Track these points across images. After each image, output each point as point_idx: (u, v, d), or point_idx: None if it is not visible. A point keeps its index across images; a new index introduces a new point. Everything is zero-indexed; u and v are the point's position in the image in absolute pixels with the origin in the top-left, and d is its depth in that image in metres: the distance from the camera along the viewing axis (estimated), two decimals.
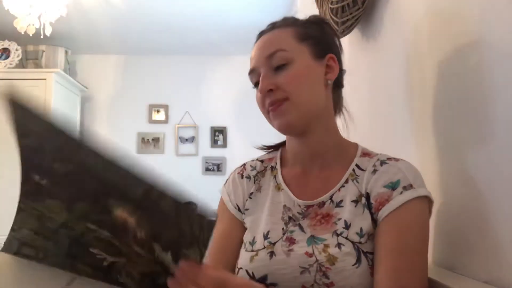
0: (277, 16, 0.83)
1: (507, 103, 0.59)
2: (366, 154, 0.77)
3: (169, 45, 3.91)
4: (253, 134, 3.98)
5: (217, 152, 4.11)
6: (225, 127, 4.13)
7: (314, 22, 0.81)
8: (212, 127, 4.13)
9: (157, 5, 3.09)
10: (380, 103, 1.15)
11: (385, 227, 0.65)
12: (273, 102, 0.73)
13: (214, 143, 4.12)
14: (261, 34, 0.79)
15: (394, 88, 1.06)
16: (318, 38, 0.77)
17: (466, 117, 0.70)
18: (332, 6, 1.16)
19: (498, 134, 0.62)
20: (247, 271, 0.70)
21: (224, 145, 4.12)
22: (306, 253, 0.67)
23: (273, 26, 0.79)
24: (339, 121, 0.85)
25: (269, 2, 3.06)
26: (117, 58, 4.14)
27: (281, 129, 0.76)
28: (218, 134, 4.13)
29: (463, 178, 0.72)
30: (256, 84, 0.78)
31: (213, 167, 4.08)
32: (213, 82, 4.14)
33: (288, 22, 0.78)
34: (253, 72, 0.77)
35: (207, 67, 4.15)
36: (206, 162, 4.08)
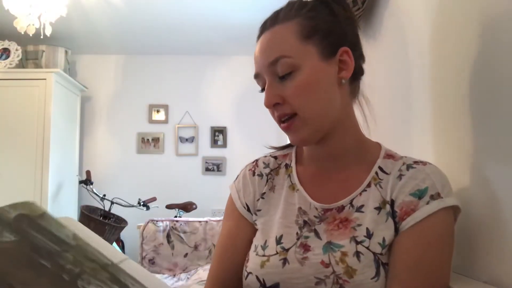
0: None
1: None
2: (389, 155, 0.71)
3: (169, 45, 3.91)
4: (253, 134, 3.99)
5: (217, 152, 4.11)
6: (225, 127, 4.13)
7: (322, 3, 0.70)
8: (212, 127, 4.13)
9: (157, 5, 3.09)
10: (380, 103, 1.15)
11: (407, 239, 0.61)
12: (282, 116, 0.67)
13: (214, 143, 4.12)
14: (263, 28, 0.71)
15: (393, 88, 1.05)
16: (328, 29, 0.67)
17: (471, 116, 0.70)
18: None
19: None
20: (257, 277, 0.66)
21: (224, 145, 4.12)
22: (322, 262, 0.63)
23: (276, 18, 0.70)
24: (360, 117, 0.78)
25: (269, 2, 3.06)
26: (117, 58, 4.14)
27: (296, 145, 0.71)
28: (218, 134, 4.13)
29: (472, 180, 0.71)
30: (263, 90, 0.70)
31: (213, 167, 4.07)
32: (213, 82, 4.14)
33: (292, 13, 0.69)
34: (258, 77, 0.71)
35: (207, 67, 4.14)
36: (206, 162, 4.08)
